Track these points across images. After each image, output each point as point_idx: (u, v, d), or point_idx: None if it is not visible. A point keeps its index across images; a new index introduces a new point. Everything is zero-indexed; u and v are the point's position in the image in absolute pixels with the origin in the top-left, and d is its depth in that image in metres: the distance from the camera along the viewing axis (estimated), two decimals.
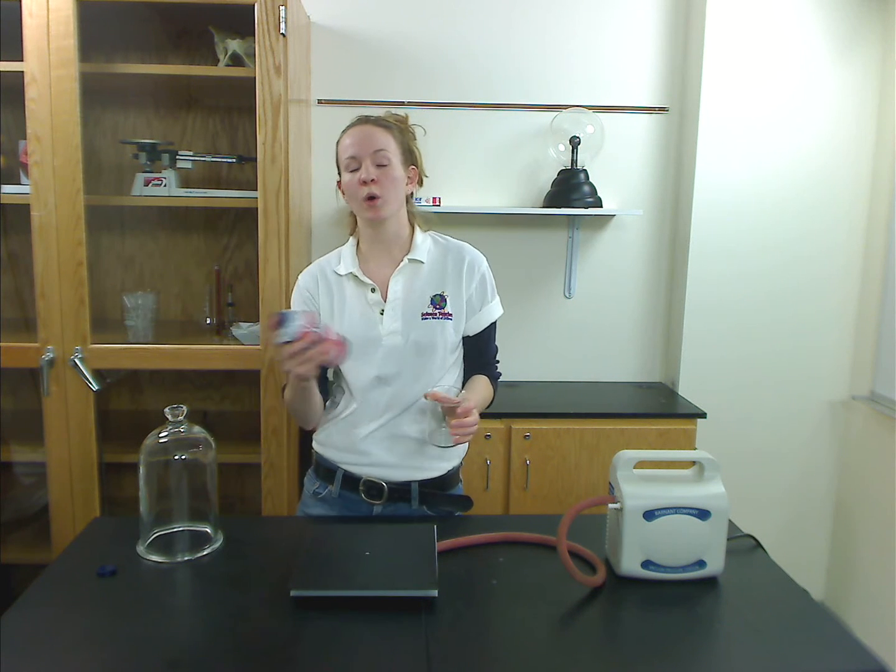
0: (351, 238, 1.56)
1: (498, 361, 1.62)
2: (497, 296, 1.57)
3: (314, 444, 1.58)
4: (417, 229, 1.53)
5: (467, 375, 1.58)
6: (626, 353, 2.72)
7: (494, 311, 1.56)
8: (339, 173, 1.49)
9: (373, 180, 1.40)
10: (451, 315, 1.49)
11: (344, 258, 1.53)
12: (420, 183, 1.55)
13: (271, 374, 2.01)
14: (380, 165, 1.42)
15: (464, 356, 1.57)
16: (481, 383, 1.56)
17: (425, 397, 1.39)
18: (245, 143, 2.42)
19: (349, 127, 1.47)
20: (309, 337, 1.24)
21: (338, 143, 1.49)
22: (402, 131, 1.48)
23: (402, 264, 1.49)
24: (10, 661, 0.97)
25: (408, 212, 1.53)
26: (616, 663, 1.02)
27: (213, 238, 2.47)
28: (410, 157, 1.50)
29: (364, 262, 1.52)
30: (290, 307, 1.56)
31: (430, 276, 1.50)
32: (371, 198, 1.41)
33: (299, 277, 1.55)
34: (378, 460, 1.49)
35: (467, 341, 1.55)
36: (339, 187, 1.51)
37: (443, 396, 1.35)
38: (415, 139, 1.54)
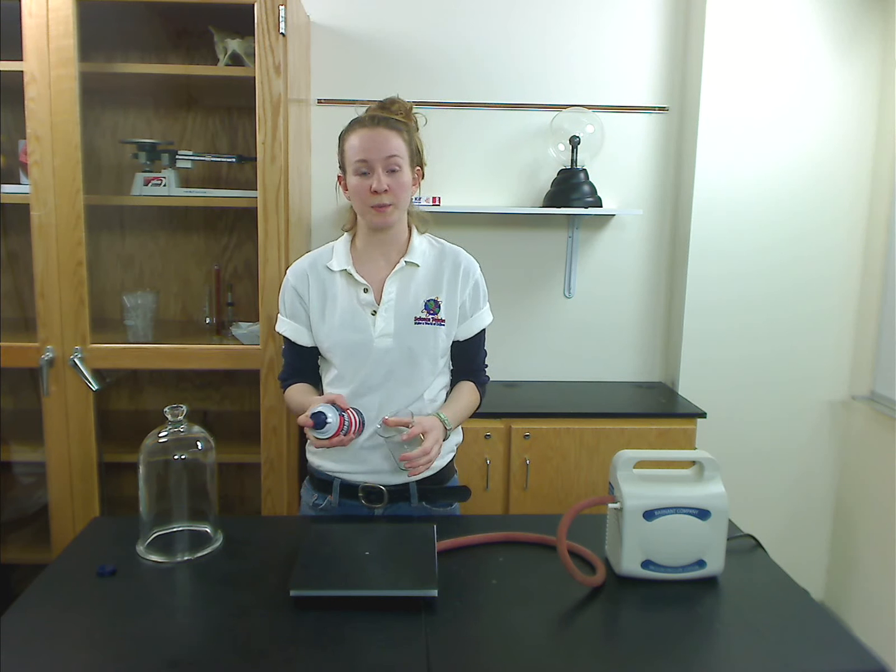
0: (346, 234, 1.55)
1: (486, 366, 1.62)
2: (488, 303, 1.57)
3: (308, 456, 1.57)
4: (415, 231, 1.53)
5: (455, 380, 1.58)
6: (626, 353, 2.72)
7: (485, 317, 1.56)
8: (342, 168, 1.46)
9: (385, 190, 1.39)
10: (443, 321, 1.48)
11: (337, 253, 1.51)
12: (422, 176, 1.53)
13: (271, 374, 2.01)
14: (391, 171, 1.40)
15: (452, 361, 1.57)
16: (465, 391, 1.55)
17: (382, 422, 1.38)
18: (245, 142, 2.42)
19: (359, 125, 1.42)
20: (337, 439, 1.32)
21: (343, 137, 1.45)
22: (409, 130, 1.46)
23: (398, 266, 1.48)
24: (10, 661, 0.97)
25: (407, 213, 1.52)
26: (616, 663, 1.02)
27: (213, 238, 2.47)
28: (417, 158, 1.48)
29: (358, 260, 1.50)
30: (279, 304, 1.55)
31: (425, 281, 1.49)
32: (381, 206, 1.40)
33: (288, 273, 1.54)
34: (375, 467, 1.48)
35: (457, 346, 1.54)
36: (340, 183, 1.49)
37: (395, 421, 1.35)
38: (418, 130, 1.51)
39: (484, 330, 1.57)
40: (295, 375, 1.55)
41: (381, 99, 1.49)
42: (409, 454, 1.32)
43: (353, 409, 1.37)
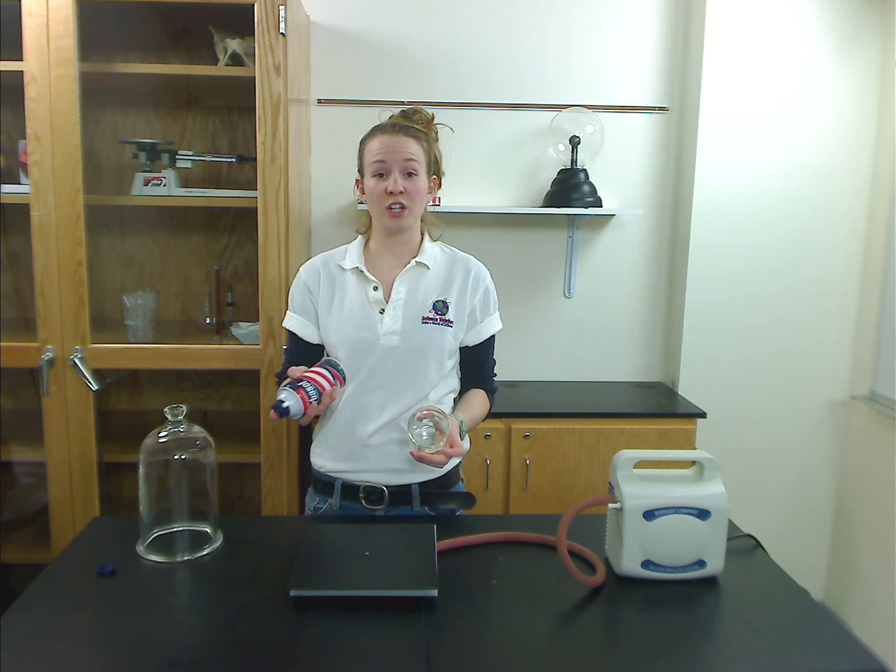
0: (360, 236, 1.57)
1: (495, 375, 1.63)
2: (498, 311, 1.58)
3: (312, 458, 1.57)
4: (427, 237, 1.55)
5: (464, 388, 1.59)
6: (626, 352, 2.72)
7: (495, 324, 1.57)
8: (360, 171, 1.50)
9: (401, 192, 1.41)
10: (451, 322, 1.49)
11: (350, 253, 1.53)
12: (439, 185, 1.56)
13: (271, 374, 2.01)
14: (408, 174, 1.42)
15: (461, 368, 1.58)
16: (478, 399, 1.57)
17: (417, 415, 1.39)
18: (245, 142, 2.42)
19: (379, 131, 1.45)
20: (311, 410, 1.33)
21: (363, 142, 1.48)
22: (429, 139, 1.49)
23: (408, 266, 1.49)
24: (10, 661, 0.97)
25: (421, 220, 1.54)
26: (616, 663, 1.02)
27: (213, 238, 2.47)
28: (434, 166, 1.51)
29: (370, 260, 1.52)
30: (289, 301, 1.57)
31: (435, 282, 1.51)
32: (396, 208, 1.42)
33: (301, 269, 1.56)
34: (377, 466, 1.48)
35: (466, 352, 1.55)
36: (358, 186, 1.52)
37: (429, 411, 1.36)
38: (437, 140, 1.54)
39: (493, 337, 1.58)
40: None
41: (405, 108, 1.52)
42: (421, 454, 1.34)
43: (318, 368, 1.38)
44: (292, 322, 1.54)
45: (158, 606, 1.12)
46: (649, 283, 2.68)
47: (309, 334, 1.52)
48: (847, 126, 2.51)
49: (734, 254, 2.55)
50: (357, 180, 1.52)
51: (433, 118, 1.54)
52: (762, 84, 2.47)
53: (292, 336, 1.55)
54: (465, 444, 1.58)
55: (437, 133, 1.55)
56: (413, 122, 1.49)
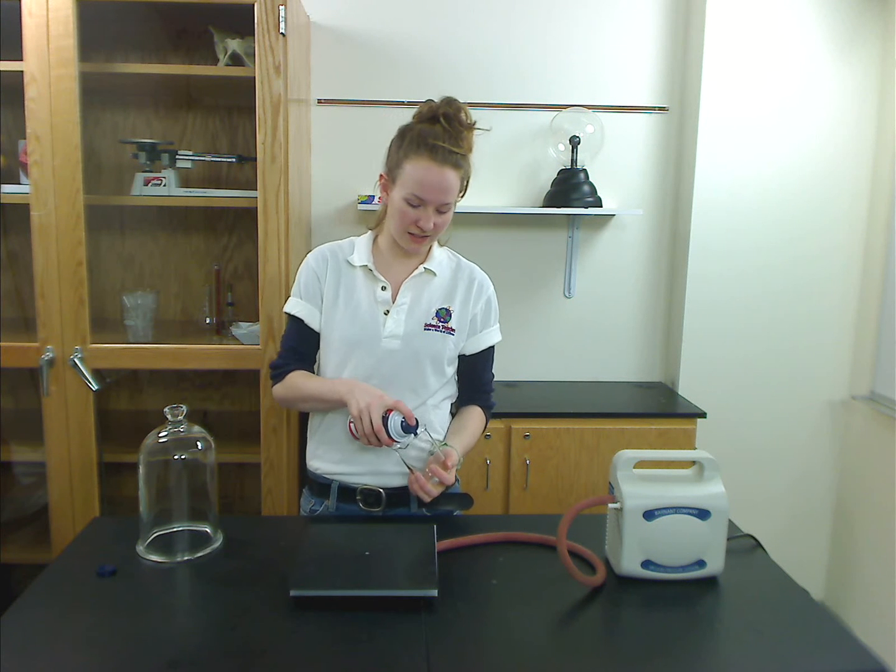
0: (369, 232, 1.55)
1: (493, 390, 1.61)
2: (498, 323, 1.57)
3: (308, 460, 1.56)
4: (435, 243, 1.54)
5: (461, 402, 1.58)
6: (626, 352, 2.72)
7: (494, 335, 1.57)
8: (390, 174, 1.42)
9: (431, 227, 1.40)
10: (453, 330, 1.49)
11: (359, 249, 1.51)
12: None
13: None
14: (441, 212, 1.41)
15: (458, 379, 1.57)
16: (474, 420, 1.55)
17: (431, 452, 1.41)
18: (245, 142, 2.42)
19: (428, 154, 1.35)
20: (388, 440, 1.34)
21: (406, 152, 1.37)
22: (467, 160, 1.41)
23: (416, 271, 1.49)
24: (10, 661, 0.97)
25: None
26: (616, 663, 1.02)
27: (213, 238, 2.47)
28: (464, 185, 1.45)
29: (380, 259, 1.51)
30: (294, 285, 1.53)
31: (440, 290, 1.51)
32: (419, 235, 1.42)
33: (309, 256, 1.53)
34: (374, 468, 1.48)
35: (464, 362, 1.54)
36: (381, 182, 1.46)
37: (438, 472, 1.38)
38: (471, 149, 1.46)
39: (493, 350, 1.57)
40: (296, 361, 1.51)
41: (454, 124, 1.37)
42: (420, 476, 1.37)
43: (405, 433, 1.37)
44: (299, 308, 1.49)
45: (158, 606, 1.12)
46: (649, 283, 2.68)
47: (314, 321, 1.50)
48: (847, 126, 2.52)
49: (734, 254, 2.55)
50: (382, 175, 1.45)
51: (474, 125, 1.41)
52: (762, 84, 2.47)
53: (296, 322, 1.50)
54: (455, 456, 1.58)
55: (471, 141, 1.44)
56: (461, 147, 1.38)
